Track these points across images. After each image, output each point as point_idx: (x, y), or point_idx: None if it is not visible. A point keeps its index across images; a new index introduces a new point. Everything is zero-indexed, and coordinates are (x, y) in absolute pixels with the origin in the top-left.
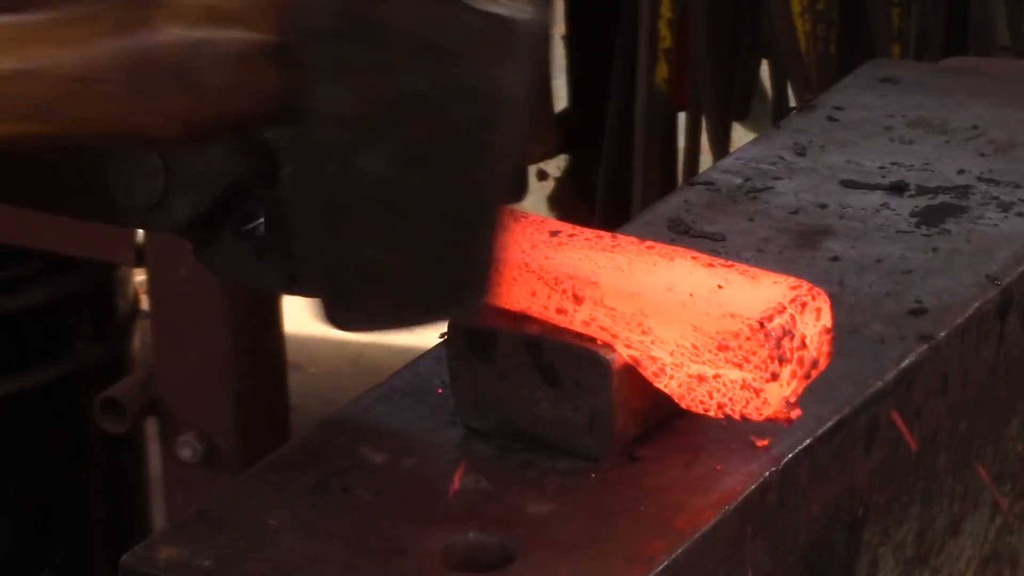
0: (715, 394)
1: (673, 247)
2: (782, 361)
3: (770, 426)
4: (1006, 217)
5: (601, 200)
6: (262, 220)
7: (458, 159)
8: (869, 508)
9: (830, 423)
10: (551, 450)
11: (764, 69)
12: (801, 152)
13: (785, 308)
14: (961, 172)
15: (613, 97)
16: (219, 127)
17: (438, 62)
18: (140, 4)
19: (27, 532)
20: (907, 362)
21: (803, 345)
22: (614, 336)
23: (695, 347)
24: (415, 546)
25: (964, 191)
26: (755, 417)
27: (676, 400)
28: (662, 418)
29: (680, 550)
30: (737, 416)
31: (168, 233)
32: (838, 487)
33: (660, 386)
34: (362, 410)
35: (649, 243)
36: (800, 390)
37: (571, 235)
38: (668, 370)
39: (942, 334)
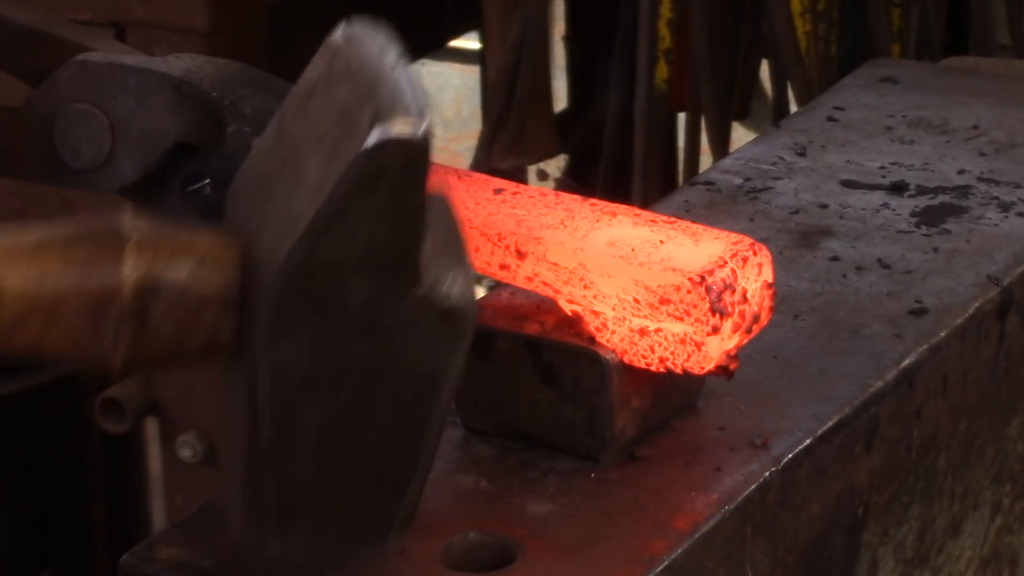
0: (657, 348)
1: (616, 204)
2: (723, 315)
3: (770, 426)
4: (1006, 217)
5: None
6: (208, 180)
7: (392, 422)
8: (869, 508)
9: (830, 423)
10: (551, 450)
11: (764, 69)
12: (801, 152)
13: (726, 263)
14: (961, 172)
15: (613, 97)
16: (167, 360)
17: (387, 339)
18: (111, 236)
19: (27, 532)
20: (907, 362)
21: (744, 299)
22: (557, 291)
23: (636, 301)
24: (415, 546)
25: (964, 191)
26: (696, 371)
27: (619, 355)
28: (662, 418)
29: (680, 550)
30: (679, 370)
31: (114, 192)
32: (838, 487)
33: (603, 341)
34: None
35: (592, 200)
36: (741, 344)
37: (515, 192)
38: (610, 324)
39: (942, 334)
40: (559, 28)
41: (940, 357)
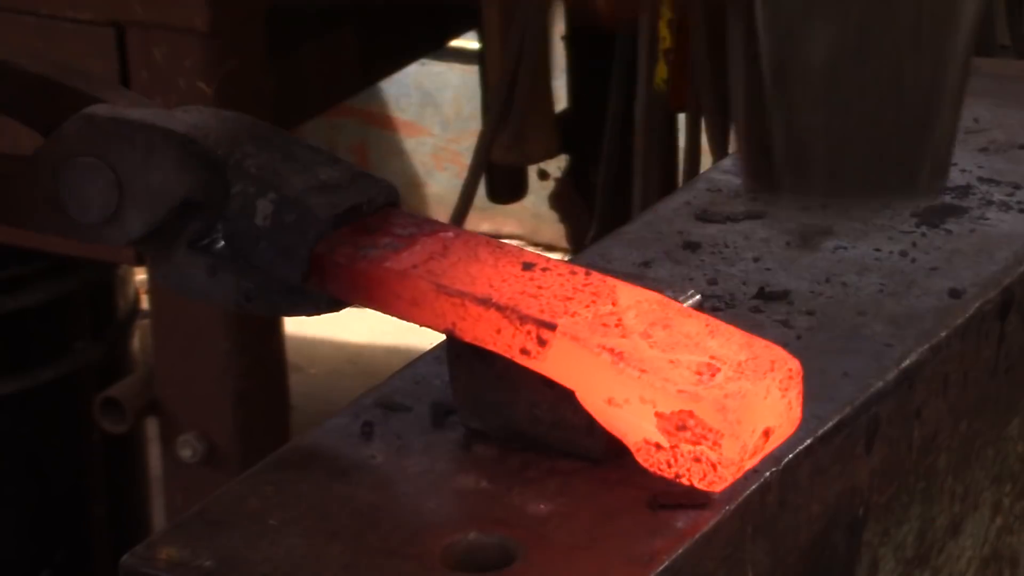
0: (672, 464)
1: (652, 292)
2: (740, 438)
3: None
4: (1006, 217)
5: (601, 200)
6: (215, 237)
7: (908, 57)
8: (869, 508)
9: (830, 423)
10: (551, 450)
11: None
12: None
13: (748, 383)
14: (961, 172)
15: (613, 97)
16: None
17: None
18: None
19: (27, 532)
20: (907, 362)
21: (769, 418)
22: (576, 387)
23: (658, 415)
24: (415, 546)
25: (964, 191)
26: (712, 490)
27: (637, 460)
28: None
29: (680, 550)
30: (695, 485)
31: (123, 246)
32: (838, 487)
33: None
34: (362, 410)
35: (627, 284)
36: (758, 462)
37: (544, 269)
38: (628, 435)
39: (942, 334)
40: (559, 28)
41: (940, 357)
